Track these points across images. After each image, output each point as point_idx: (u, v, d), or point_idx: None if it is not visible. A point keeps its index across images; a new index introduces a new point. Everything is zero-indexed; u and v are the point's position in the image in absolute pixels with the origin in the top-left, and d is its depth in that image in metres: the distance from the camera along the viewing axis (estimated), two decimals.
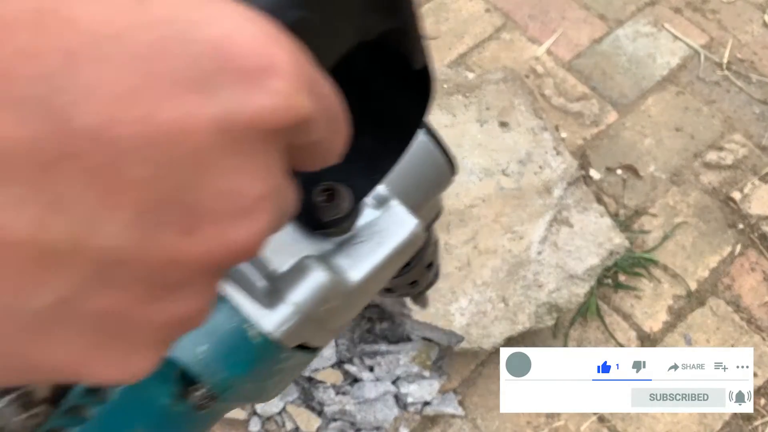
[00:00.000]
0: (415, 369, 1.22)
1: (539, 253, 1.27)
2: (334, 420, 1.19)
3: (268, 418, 1.20)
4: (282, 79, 0.18)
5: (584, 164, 1.51)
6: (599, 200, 1.43)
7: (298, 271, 0.33)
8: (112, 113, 0.16)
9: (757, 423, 1.25)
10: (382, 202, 0.36)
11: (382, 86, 0.31)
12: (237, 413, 1.20)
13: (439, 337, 1.23)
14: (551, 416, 1.25)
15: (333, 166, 0.23)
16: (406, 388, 1.21)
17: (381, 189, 0.36)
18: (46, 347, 0.19)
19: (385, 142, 0.32)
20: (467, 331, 1.19)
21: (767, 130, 1.57)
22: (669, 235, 1.42)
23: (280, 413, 1.20)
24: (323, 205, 0.33)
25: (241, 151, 0.18)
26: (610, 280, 1.37)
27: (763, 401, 1.27)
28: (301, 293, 0.33)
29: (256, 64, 0.17)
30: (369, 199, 0.36)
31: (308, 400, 1.21)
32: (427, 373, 1.23)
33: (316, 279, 0.33)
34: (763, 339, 1.32)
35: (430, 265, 0.60)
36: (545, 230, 1.29)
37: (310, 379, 1.21)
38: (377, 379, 1.21)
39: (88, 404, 0.32)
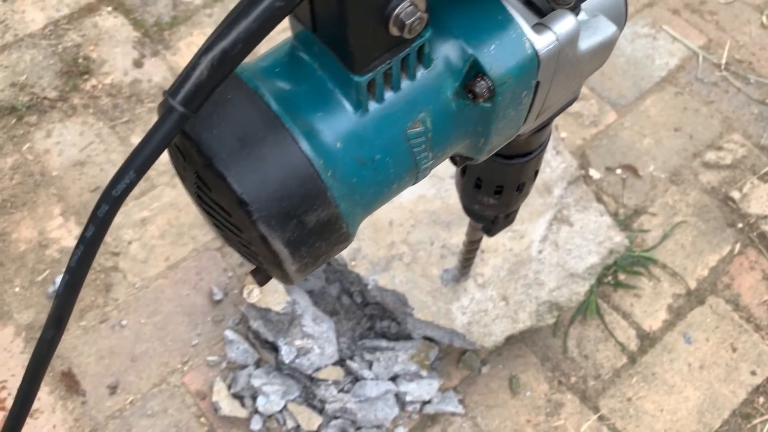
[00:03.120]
0: (413, 368, 1.22)
1: (540, 251, 1.27)
2: (335, 418, 1.20)
3: (270, 416, 1.21)
4: None
5: (584, 164, 1.51)
6: (599, 199, 1.43)
7: (559, 15, 0.44)
8: None
9: (756, 421, 1.26)
10: (593, 15, 0.48)
11: None
12: (239, 412, 1.21)
13: (440, 336, 1.23)
14: (551, 415, 1.25)
15: None
16: (405, 387, 1.21)
17: (589, 11, 0.48)
18: None
19: None
20: (468, 330, 1.20)
21: (766, 129, 1.57)
22: (668, 234, 1.43)
23: (281, 411, 1.20)
24: None
25: None
26: (610, 279, 1.37)
27: (762, 400, 1.28)
28: (561, 27, 0.44)
29: None
30: (584, 10, 0.48)
31: (309, 399, 1.22)
32: (424, 373, 1.23)
33: (571, 20, 0.44)
34: (762, 338, 1.33)
35: (536, 173, 0.73)
36: (546, 229, 1.29)
37: (311, 378, 1.21)
38: (376, 377, 1.21)
39: (411, 65, 0.41)
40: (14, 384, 1.26)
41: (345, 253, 1.22)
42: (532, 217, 1.30)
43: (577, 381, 1.28)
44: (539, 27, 0.44)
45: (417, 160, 0.45)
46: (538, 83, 0.45)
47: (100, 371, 1.27)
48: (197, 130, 0.37)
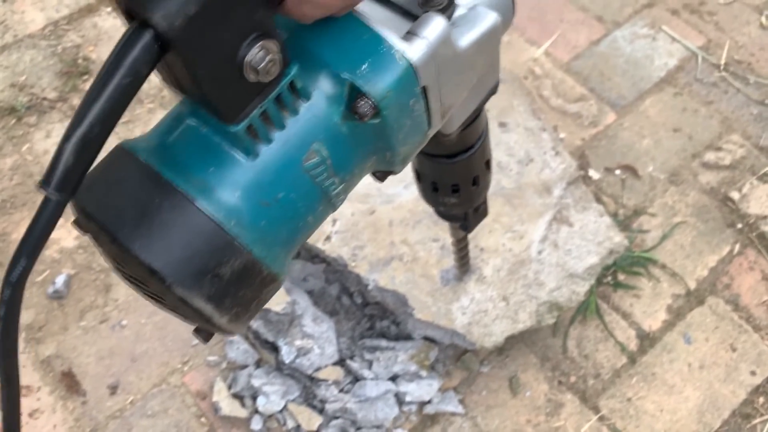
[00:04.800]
0: (413, 368, 1.22)
1: (539, 252, 1.27)
2: (335, 418, 1.20)
3: (270, 416, 1.21)
4: None
5: (583, 164, 1.51)
6: (598, 200, 1.43)
7: (426, 19, 0.44)
8: None
9: (755, 421, 1.26)
10: (469, 8, 0.48)
11: None
12: (239, 412, 1.21)
13: (440, 336, 1.23)
14: (551, 415, 1.25)
15: None
16: (405, 387, 1.21)
17: (466, 4, 0.49)
18: None
19: None
20: (469, 330, 1.20)
21: (765, 130, 1.57)
22: (668, 235, 1.43)
23: (281, 411, 1.20)
24: None
25: None
26: (609, 279, 1.37)
27: (762, 400, 1.28)
28: (430, 31, 0.44)
29: None
30: (461, 5, 0.48)
31: (309, 399, 1.22)
32: (424, 373, 1.23)
33: (440, 23, 0.44)
34: (762, 338, 1.33)
35: (488, 164, 0.73)
36: (545, 229, 1.29)
37: (311, 378, 1.21)
38: (376, 377, 1.21)
39: (288, 102, 0.42)
40: None
41: (345, 254, 1.22)
42: (532, 218, 1.30)
43: (577, 381, 1.28)
44: (408, 36, 0.44)
45: (324, 188, 0.45)
46: (424, 88, 0.45)
47: (101, 371, 1.27)
48: (99, 212, 0.39)
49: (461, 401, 1.25)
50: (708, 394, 1.27)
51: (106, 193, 0.39)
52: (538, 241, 1.28)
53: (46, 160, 1.49)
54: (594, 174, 1.50)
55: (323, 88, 0.43)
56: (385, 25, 0.44)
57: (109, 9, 1.73)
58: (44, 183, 0.34)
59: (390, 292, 1.20)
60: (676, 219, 1.45)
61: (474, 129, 0.66)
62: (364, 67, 0.42)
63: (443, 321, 1.20)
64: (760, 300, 1.37)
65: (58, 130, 1.53)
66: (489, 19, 0.48)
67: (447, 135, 0.54)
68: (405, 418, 1.23)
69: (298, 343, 1.21)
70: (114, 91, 0.34)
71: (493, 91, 0.55)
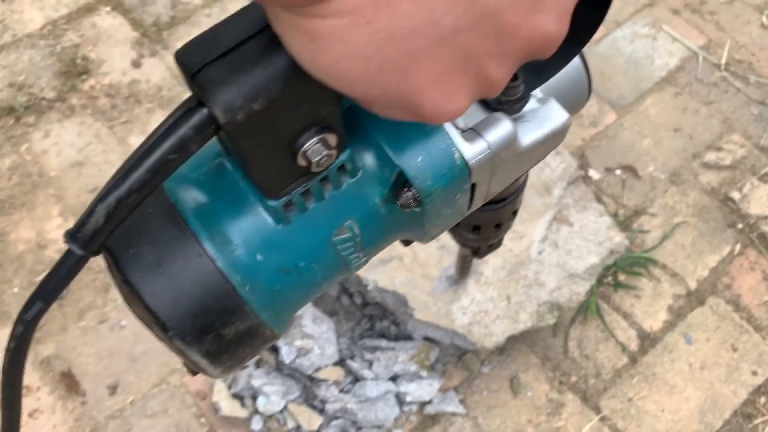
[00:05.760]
0: (413, 368, 1.22)
1: (540, 252, 1.27)
2: (336, 418, 1.19)
3: (270, 417, 1.20)
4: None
5: (583, 164, 1.51)
6: (598, 200, 1.43)
7: (493, 120, 0.43)
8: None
9: (757, 421, 1.26)
10: (543, 101, 0.46)
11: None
12: (239, 412, 1.20)
13: (441, 337, 1.23)
14: (552, 415, 1.25)
15: None
16: (405, 387, 1.21)
17: (542, 93, 0.47)
18: (417, 66, 0.30)
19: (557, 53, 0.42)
20: (469, 330, 1.19)
21: (765, 130, 1.57)
22: (668, 235, 1.43)
23: (281, 411, 1.20)
24: (509, 85, 0.43)
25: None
26: (610, 279, 1.37)
27: (763, 400, 1.27)
28: (494, 134, 0.42)
29: None
30: (535, 96, 0.46)
31: (310, 399, 1.21)
32: (424, 373, 1.23)
33: (506, 126, 0.42)
34: (763, 338, 1.33)
35: (515, 213, 0.71)
36: (545, 229, 1.29)
37: (311, 378, 1.21)
38: (376, 377, 1.21)
39: (333, 179, 0.41)
40: None
41: None
42: (532, 218, 1.29)
43: (578, 381, 1.28)
44: (471, 134, 0.42)
45: (347, 261, 0.44)
46: (474, 184, 0.44)
47: (100, 371, 1.27)
48: (116, 248, 0.39)
49: (462, 401, 1.25)
50: (709, 394, 1.27)
51: (126, 227, 0.38)
52: (538, 241, 1.27)
53: (45, 159, 1.49)
54: (594, 174, 1.50)
55: (371, 167, 0.42)
56: None
57: (108, 8, 1.72)
58: (71, 237, 0.34)
59: (390, 292, 1.20)
60: (677, 219, 1.45)
61: (511, 186, 0.64)
62: (419, 158, 0.40)
63: (443, 321, 1.19)
64: (761, 300, 1.37)
65: (57, 129, 1.53)
66: (559, 119, 0.45)
67: None
68: (405, 418, 1.22)
69: (297, 343, 1.20)
70: (157, 163, 0.33)
71: (540, 160, 0.54)
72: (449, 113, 0.34)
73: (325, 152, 0.37)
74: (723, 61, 1.67)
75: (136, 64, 1.63)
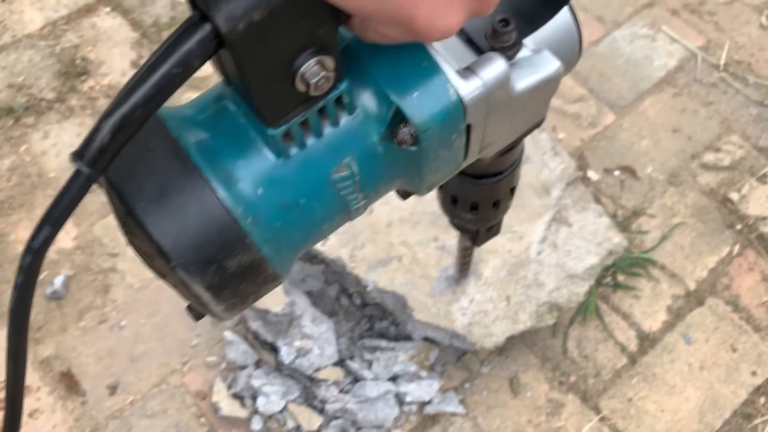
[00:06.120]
0: (413, 368, 1.22)
1: (539, 252, 1.27)
2: (335, 418, 1.19)
3: (270, 417, 1.20)
4: None
5: (582, 165, 1.51)
6: (597, 201, 1.43)
7: (487, 59, 0.44)
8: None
9: (756, 422, 1.26)
10: (536, 50, 0.47)
11: None
12: (239, 412, 1.20)
13: (440, 337, 1.23)
14: (552, 415, 1.25)
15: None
16: (405, 387, 1.21)
17: (534, 44, 0.48)
18: None
19: (546, 3, 0.46)
20: (469, 331, 1.19)
21: (764, 131, 1.57)
22: (667, 236, 1.43)
23: (281, 411, 1.20)
24: (501, 30, 0.45)
25: None
26: (609, 280, 1.37)
27: (763, 400, 1.28)
28: (489, 72, 0.43)
29: None
30: (527, 46, 0.47)
31: (309, 399, 1.21)
32: (424, 373, 1.23)
33: (500, 65, 0.43)
34: (762, 338, 1.33)
35: (512, 190, 0.72)
36: (544, 230, 1.29)
37: (311, 379, 1.21)
38: (376, 377, 1.21)
39: (331, 113, 0.41)
40: None
41: (344, 255, 1.22)
42: (531, 219, 1.30)
43: (577, 381, 1.28)
44: (466, 72, 0.43)
45: (346, 201, 0.45)
46: (469, 125, 0.45)
47: (100, 371, 1.27)
48: (120, 180, 0.39)
49: (462, 401, 1.25)
50: (709, 394, 1.27)
51: (130, 161, 0.39)
52: (537, 241, 1.28)
53: (45, 161, 1.49)
54: (593, 175, 1.50)
55: (368, 105, 0.43)
56: (446, 53, 0.44)
57: (107, 9, 1.72)
58: (77, 156, 0.34)
59: (389, 293, 1.20)
60: (676, 220, 1.45)
61: (508, 157, 0.65)
62: (415, 93, 0.42)
63: (443, 322, 1.19)
64: (760, 300, 1.37)
65: (56, 130, 1.53)
66: (552, 66, 0.46)
67: (480, 160, 0.53)
68: (405, 418, 1.22)
69: (297, 343, 1.20)
70: (162, 78, 0.34)
71: (537, 124, 0.54)
72: (443, 29, 0.35)
73: (322, 73, 0.38)
74: (722, 62, 1.68)
75: (135, 64, 1.63)
